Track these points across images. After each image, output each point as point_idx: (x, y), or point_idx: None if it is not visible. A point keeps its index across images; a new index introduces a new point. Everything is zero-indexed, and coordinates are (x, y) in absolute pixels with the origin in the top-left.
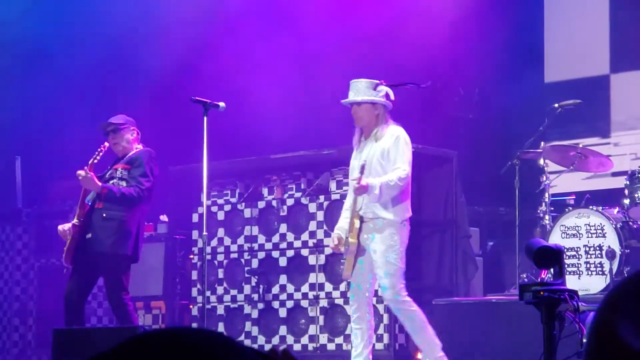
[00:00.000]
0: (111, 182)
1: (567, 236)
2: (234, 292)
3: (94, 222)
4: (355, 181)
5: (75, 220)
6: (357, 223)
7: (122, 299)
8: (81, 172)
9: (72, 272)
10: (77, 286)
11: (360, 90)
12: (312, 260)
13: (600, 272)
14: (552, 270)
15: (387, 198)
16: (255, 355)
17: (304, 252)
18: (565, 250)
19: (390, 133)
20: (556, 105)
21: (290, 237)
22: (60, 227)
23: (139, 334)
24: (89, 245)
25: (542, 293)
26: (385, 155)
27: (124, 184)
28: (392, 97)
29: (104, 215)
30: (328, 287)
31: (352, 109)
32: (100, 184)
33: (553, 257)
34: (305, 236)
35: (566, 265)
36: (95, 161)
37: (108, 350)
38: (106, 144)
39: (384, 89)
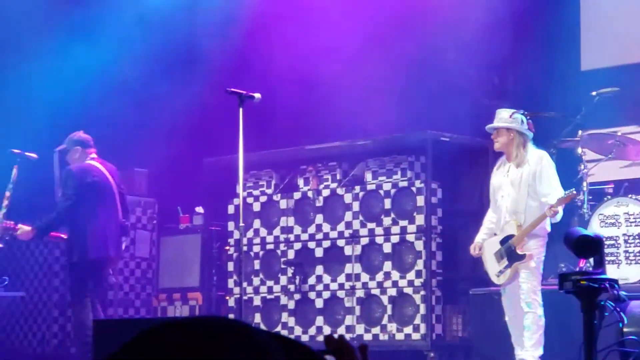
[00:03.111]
0: None
1: (606, 225)
2: (270, 283)
3: None
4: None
5: None
6: (525, 239)
7: None
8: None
9: None
10: None
11: (500, 118)
12: (348, 250)
13: (639, 261)
14: (591, 259)
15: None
16: (273, 341)
17: (340, 242)
18: (604, 239)
19: (535, 156)
20: (594, 93)
21: (326, 227)
22: None
23: (155, 325)
24: None
25: (582, 282)
26: (537, 176)
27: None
28: (525, 123)
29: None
30: (364, 277)
31: (492, 135)
32: (28, 229)
33: (593, 246)
34: (341, 227)
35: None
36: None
37: (125, 343)
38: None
39: (518, 117)
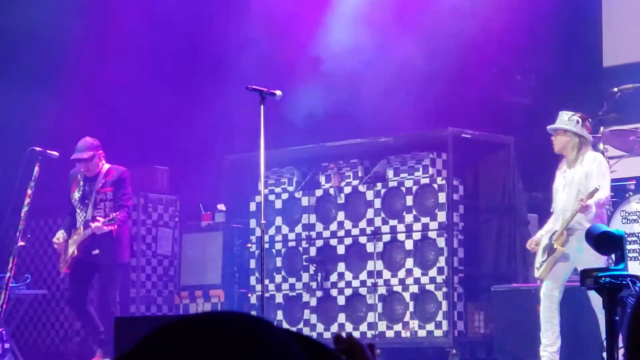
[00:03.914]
0: (101, 204)
1: (628, 222)
2: (292, 280)
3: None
4: (580, 201)
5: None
6: (565, 234)
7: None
8: (95, 229)
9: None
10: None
11: (560, 120)
12: (370, 247)
13: None
14: (613, 255)
15: (595, 213)
16: (292, 340)
17: (362, 239)
18: (626, 235)
19: (590, 157)
20: (615, 89)
21: (348, 224)
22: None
23: (169, 323)
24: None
25: (604, 279)
26: (589, 176)
27: (110, 204)
28: (580, 125)
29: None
30: (386, 274)
31: (552, 136)
32: (110, 225)
33: (614, 243)
34: (363, 224)
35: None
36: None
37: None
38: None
39: (575, 118)
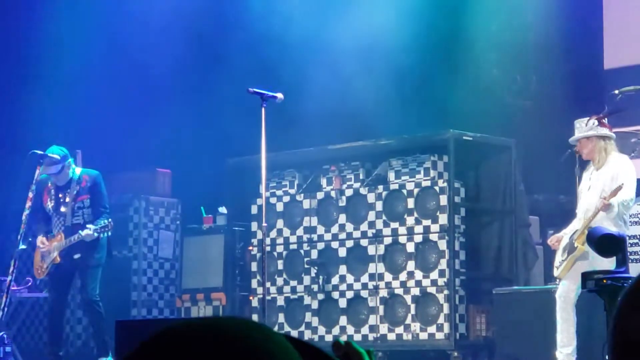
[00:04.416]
0: (79, 212)
1: (630, 224)
2: (293, 283)
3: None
4: (601, 199)
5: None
6: (586, 233)
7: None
8: (86, 236)
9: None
10: None
11: (578, 128)
12: (371, 250)
13: None
14: (614, 258)
15: (619, 214)
16: (292, 347)
17: (363, 242)
18: (628, 238)
19: (615, 159)
20: (616, 91)
21: (349, 227)
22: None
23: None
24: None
25: (605, 281)
26: (614, 178)
27: (88, 210)
28: (600, 128)
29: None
30: (388, 277)
31: (576, 147)
32: (96, 235)
33: (616, 245)
34: (364, 226)
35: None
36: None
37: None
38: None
39: (592, 122)
